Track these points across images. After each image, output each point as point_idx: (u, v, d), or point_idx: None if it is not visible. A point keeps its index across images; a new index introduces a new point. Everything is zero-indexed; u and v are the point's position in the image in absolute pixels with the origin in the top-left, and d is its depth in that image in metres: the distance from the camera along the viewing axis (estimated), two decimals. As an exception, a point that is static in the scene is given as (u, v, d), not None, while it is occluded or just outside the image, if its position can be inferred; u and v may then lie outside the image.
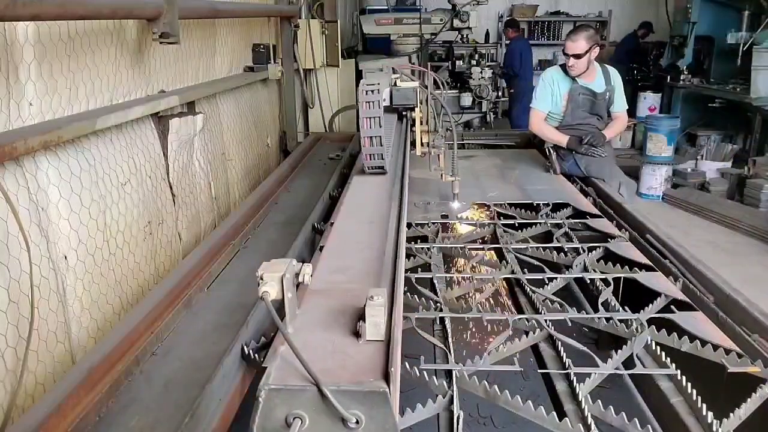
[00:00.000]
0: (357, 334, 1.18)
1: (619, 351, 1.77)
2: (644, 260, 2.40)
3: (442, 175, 2.99)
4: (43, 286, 1.98)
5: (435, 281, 2.20)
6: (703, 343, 1.78)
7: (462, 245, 2.63)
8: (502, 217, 2.93)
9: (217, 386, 1.55)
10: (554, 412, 1.55)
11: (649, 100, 6.98)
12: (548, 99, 3.80)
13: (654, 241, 2.64)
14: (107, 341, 1.67)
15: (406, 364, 1.61)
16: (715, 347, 1.76)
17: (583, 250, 2.48)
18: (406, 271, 2.17)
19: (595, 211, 3.06)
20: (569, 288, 2.40)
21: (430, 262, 2.40)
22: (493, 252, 2.63)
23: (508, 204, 3.11)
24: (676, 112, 6.32)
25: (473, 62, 5.91)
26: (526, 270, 2.33)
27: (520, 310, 2.15)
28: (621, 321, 1.93)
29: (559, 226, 2.79)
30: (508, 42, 8.20)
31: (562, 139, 3.73)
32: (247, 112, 4.36)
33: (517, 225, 2.84)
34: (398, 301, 1.37)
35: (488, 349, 1.77)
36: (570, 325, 1.98)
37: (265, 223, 2.91)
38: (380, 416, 0.99)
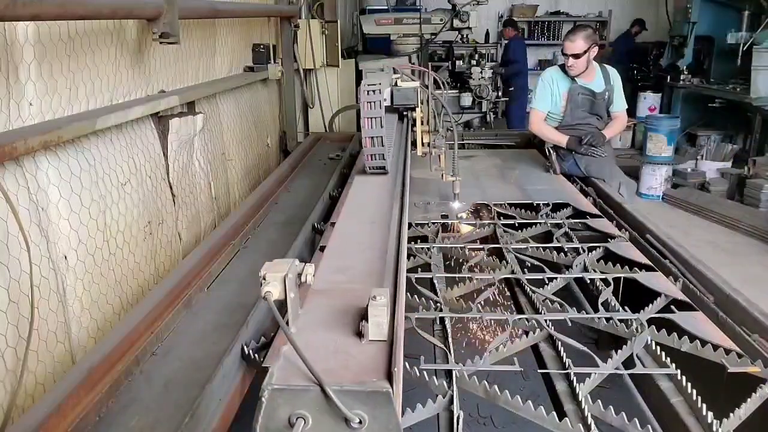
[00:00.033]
0: (359, 334, 1.18)
1: (619, 351, 1.77)
2: (644, 260, 2.40)
3: (442, 175, 2.99)
4: (43, 286, 1.98)
5: (435, 281, 2.20)
6: (703, 343, 1.78)
7: (462, 245, 2.62)
8: (502, 217, 2.93)
9: (217, 386, 1.55)
10: (554, 412, 1.55)
11: (649, 100, 6.97)
12: (548, 99, 3.80)
13: (654, 241, 2.65)
14: (107, 341, 1.67)
15: (406, 364, 1.61)
16: (715, 347, 1.76)
17: (583, 250, 2.48)
18: (407, 271, 2.17)
19: (595, 211, 3.06)
20: (569, 288, 2.40)
21: (430, 262, 2.40)
22: (493, 252, 2.63)
23: (508, 204, 3.11)
24: (676, 112, 6.32)
25: (473, 62, 5.90)
26: (526, 270, 2.33)
27: (520, 310, 2.15)
28: (621, 321, 1.93)
29: (559, 226, 2.79)
30: (506, 41, 8.21)
31: (562, 139, 3.73)
32: (247, 112, 4.36)
33: (517, 225, 2.84)
34: (400, 301, 1.37)
35: (488, 349, 1.77)
36: (570, 325, 1.98)
37: (265, 223, 2.91)
38: (383, 416, 0.99)
